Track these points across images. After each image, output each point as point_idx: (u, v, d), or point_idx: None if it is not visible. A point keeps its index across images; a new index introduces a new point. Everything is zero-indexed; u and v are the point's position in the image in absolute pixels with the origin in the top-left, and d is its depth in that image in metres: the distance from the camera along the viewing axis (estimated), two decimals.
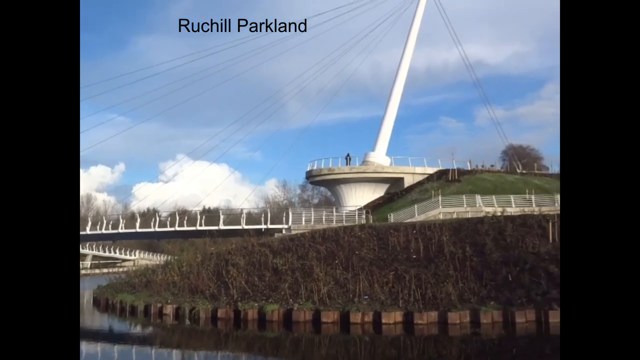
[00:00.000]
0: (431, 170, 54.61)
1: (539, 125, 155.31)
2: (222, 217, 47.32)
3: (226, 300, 18.58)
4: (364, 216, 39.85)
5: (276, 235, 33.14)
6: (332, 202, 65.27)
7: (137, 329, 18.98)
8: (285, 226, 42.04)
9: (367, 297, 17.15)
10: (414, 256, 19.61)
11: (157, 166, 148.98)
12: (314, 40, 65.79)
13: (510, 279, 17.10)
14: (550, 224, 19.46)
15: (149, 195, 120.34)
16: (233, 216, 52.16)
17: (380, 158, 56.73)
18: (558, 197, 38.75)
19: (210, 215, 52.37)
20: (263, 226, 43.28)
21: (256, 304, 17.63)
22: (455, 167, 53.84)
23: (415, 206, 39.94)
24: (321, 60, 63.84)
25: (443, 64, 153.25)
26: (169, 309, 19.04)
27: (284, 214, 45.52)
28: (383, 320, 15.52)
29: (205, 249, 26.03)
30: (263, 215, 47.50)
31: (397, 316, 15.74)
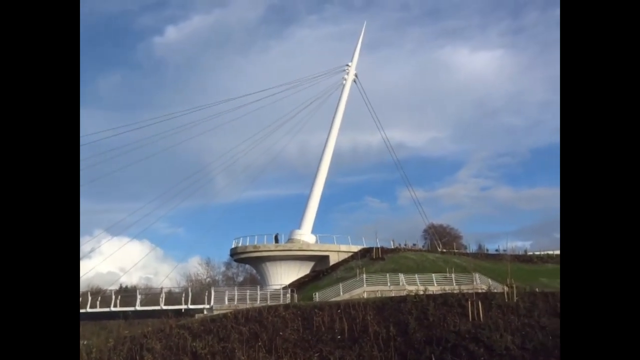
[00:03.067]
0: (356, 248, 55.30)
1: (457, 206, 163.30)
2: (139, 296, 44.72)
3: None
4: (289, 295, 39.18)
5: (197, 316, 31.66)
6: (258, 280, 63.87)
7: None
8: (207, 306, 40.35)
9: None
10: (339, 336, 19.34)
11: None
12: (244, 119, 67.01)
13: (433, 358, 17.17)
14: (469, 302, 20.02)
15: None
16: (152, 295, 49.47)
17: (306, 236, 56.91)
18: (476, 275, 40.22)
19: (127, 294, 49.34)
20: (183, 306, 41.26)
21: None
22: (379, 246, 54.85)
23: (341, 285, 39.89)
24: (249, 138, 64.69)
25: (367, 146, 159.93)
26: None
27: (207, 293, 43.81)
28: None
29: (119, 332, 24.31)
30: (184, 294, 45.39)
31: None
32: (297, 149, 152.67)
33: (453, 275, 40.51)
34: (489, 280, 38.28)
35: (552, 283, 46.77)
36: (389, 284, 39.29)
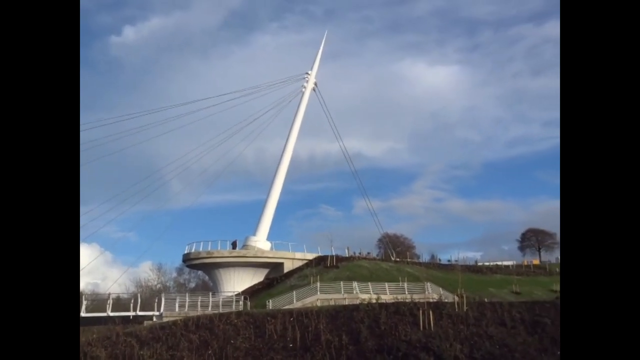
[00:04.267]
0: (310, 256, 55.25)
1: (411, 216, 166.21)
2: (85, 302, 43.08)
3: None
4: (241, 302, 38.66)
5: (146, 323, 30.76)
6: (210, 286, 62.82)
7: None
8: (157, 313, 39.26)
9: None
10: (291, 345, 19.19)
11: None
12: (200, 123, 66.03)
13: None
14: (421, 311, 20.29)
15: None
16: (99, 302, 47.73)
17: (261, 242, 56.44)
18: (428, 284, 40.85)
19: None
20: (132, 313, 39.96)
21: None
22: (333, 254, 55.02)
23: (294, 292, 39.69)
24: (205, 143, 63.72)
25: (325, 155, 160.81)
26: None
27: (156, 300, 42.67)
28: None
29: None
30: (133, 300, 43.99)
31: None
32: (254, 155, 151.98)
33: (406, 284, 41.01)
34: (441, 289, 38.98)
35: (500, 293, 48.09)
36: (342, 292, 39.37)
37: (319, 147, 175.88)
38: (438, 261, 72.62)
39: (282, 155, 62.46)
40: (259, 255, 54.02)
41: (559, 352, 18.24)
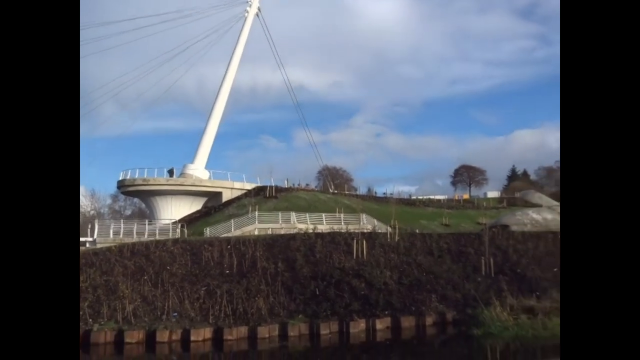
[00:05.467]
0: (250, 186, 55.39)
1: (351, 150, 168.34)
2: None
3: None
4: (178, 230, 38.59)
5: None
6: (146, 214, 61.99)
7: None
8: (90, 239, 38.62)
9: (176, 314, 16.51)
10: (227, 271, 19.52)
11: None
12: (135, 44, 62.42)
13: (317, 293, 18.00)
14: (355, 241, 21.04)
15: None
16: None
17: (199, 171, 55.76)
18: (363, 216, 42.20)
19: None
20: None
21: None
22: (273, 185, 55.38)
23: (232, 221, 40.01)
24: (141, 66, 60.67)
25: (267, 85, 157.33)
26: None
27: (90, 226, 41.80)
28: (192, 338, 15.07)
29: None
30: None
31: (206, 333, 15.42)
32: (195, 82, 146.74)
33: (342, 216, 42.17)
34: (375, 221, 40.41)
35: (430, 225, 50.53)
36: (280, 222, 40.08)
37: (262, 77, 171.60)
38: (374, 194, 74.85)
39: (222, 83, 60.66)
40: (197, 184, 53.50)
41: (479, 279, 19.64)
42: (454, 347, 15.24)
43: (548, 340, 14.56)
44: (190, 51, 62.93)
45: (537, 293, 18.02)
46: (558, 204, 49.27)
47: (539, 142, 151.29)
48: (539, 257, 21.86)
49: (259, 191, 53.12)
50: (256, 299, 17.35)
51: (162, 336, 15.04)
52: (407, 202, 65.25)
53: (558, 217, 29.07)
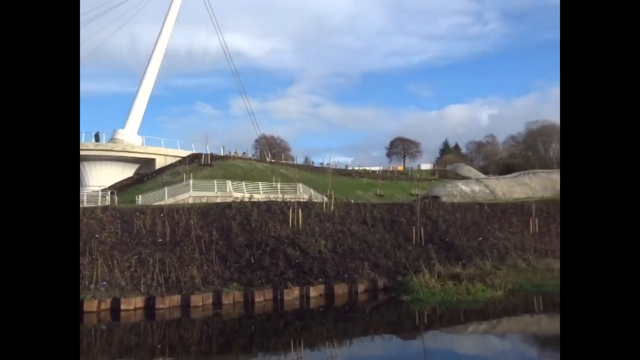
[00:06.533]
0: (184, 153, 54.07)
1: (289, 120, 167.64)
2: None
3: None
4: (108, 197, 37.23)
5: None
6: None
7: None
8: None
9: (105, 283, 16.07)
10: (160, 240, 19.12)
11: None
12: None
13: (252, 261, 18.03)
14: (291, 210, 21.14)
15: None
16: None
17: (130, 136, 53.71)
18: (300, 185, 42.40)
19: None
20: None
21: None
22: (208, 152, 54.34)
23: (166, 189, 39.02)
24: None
25: (204, 49, 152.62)
26: None
27: None
28: (122, 307, 14.76)
29: None
30: None
31: (137, 302, 15.14)
32: (128, 43, 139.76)
33: (279, 185, 42.15)
34: (312, 190, 40.68)
35: (365, 195, 51.58)
36: (216, 191, 39.50)
37: (198, 40, 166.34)
38: (311, 164, 75.24)
39: (155, 44, 58.14)
40: (129, 149, 51.56)
41: (410, 248, 20.37)
42: (384, 313, 15.81)
43: (471, 305, 15.43)
44: (122, 9, 59.74)
45: (463, 261, 18.95)
46: (485, 176, 51.60)
47: (471, 117, 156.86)
48: (466, 227, 22.91)
49: (194, 159, 51.98)
50: (190, 267, 17.17)
51: (91, 305, 14.62)
52: (344, 173, 66.14)
53: (485, 189, 30.49)
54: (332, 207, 23.11)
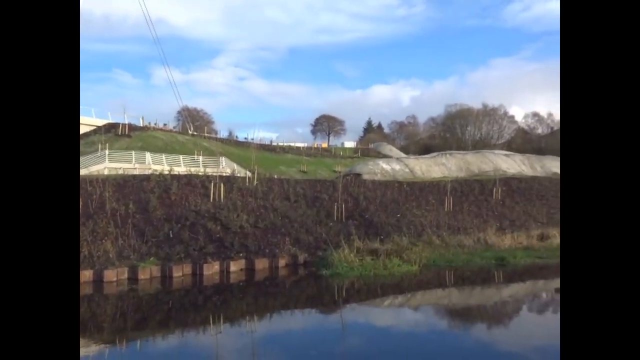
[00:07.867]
0: (100, 122, 51.46)
1: (213, 92, 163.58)
2: None
3: None
4: None
5: None
6: None
7: None
8: None
9: None
10: None
11: None
12: None
13: (171, 235, 17.57)
14: (212, 184, 20.74)
15: None
16: None
17: None
18: (223, 159, 41.71)
19: None
20: None
21: None
22: (126, 122, 51.97)
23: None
24: None
25: (123, 13, 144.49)
26: None
27: None
28: None
29: None
30: None
31: None
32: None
33: (201, 158, 41.24)
34: (235, 165, 40.19)
35: (289, 171, 51.71)
36: (133, 162, 37.99)
37: (117, 2, 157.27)
38: (235, 138, 74.26)
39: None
40: None
41: (331, 224, 20.69)
42: (304, 287, 16.03)
43: (387, 279, 15.99)
44: None
45: (382, 237, 19.55)
46: (406, 156, 53.28)
47: (394, 98, 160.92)
48: (385, 204, 23.59)
49: (110, 128, 49.55)
50: (103, 241, 16.44)
51: None
52: (268, 148, 65.83)
53: (405, 168, 31.48)
54: (255, 182, 22.93)
